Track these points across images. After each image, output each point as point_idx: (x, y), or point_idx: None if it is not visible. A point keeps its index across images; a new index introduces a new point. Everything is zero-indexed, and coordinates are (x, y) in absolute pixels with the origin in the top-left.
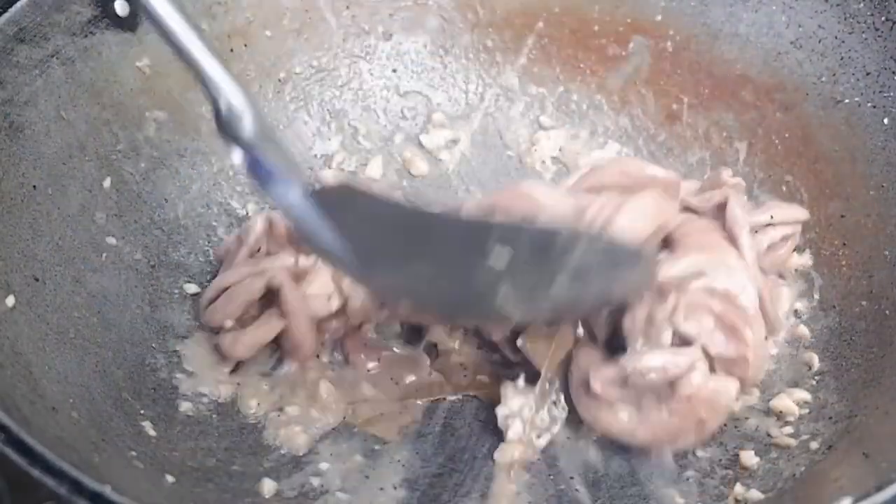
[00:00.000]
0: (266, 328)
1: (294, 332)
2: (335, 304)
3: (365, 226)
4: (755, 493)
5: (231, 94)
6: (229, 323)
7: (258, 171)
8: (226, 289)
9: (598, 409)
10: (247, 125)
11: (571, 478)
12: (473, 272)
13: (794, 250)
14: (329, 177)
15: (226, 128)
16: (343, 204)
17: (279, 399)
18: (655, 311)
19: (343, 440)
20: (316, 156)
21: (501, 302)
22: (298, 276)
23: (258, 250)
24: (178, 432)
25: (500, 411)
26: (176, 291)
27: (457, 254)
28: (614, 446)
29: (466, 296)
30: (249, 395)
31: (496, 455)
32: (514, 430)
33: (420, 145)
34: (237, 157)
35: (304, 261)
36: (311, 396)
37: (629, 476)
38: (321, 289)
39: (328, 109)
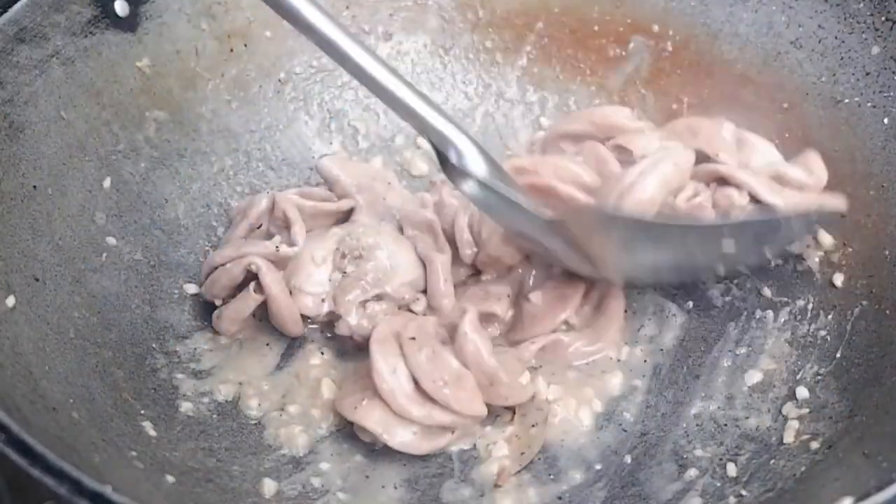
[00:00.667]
0: (242, 303)
1: (275, 313)
2: (326, 308)
3: (606, 245)
4: (755, 493)
5: (460, 142)
6: (218, 301)
7: (492, 202)
8: (215, 268)
9: None
10: (481, 166)
11: (571, 476)
12: (703, 260)
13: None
14: (327, 162)
15: (458, 170)
16: (582, 227)
17: (281, 398)
18: None
19: (344, 440)
20: (315, 156)
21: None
22: (280, 263)
23: (259, 227)
24: (179, 432)
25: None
26: (176, 291)
27: (693, 251)
28: (614, 446)
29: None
30: (250, 395)
31: (474, 475)
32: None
33: (419, 146)
34: (469, 188)
35: (286, 249)
36: (313, 395)
37: (629, 476)
38: (312, 287)
39: (328, 109)
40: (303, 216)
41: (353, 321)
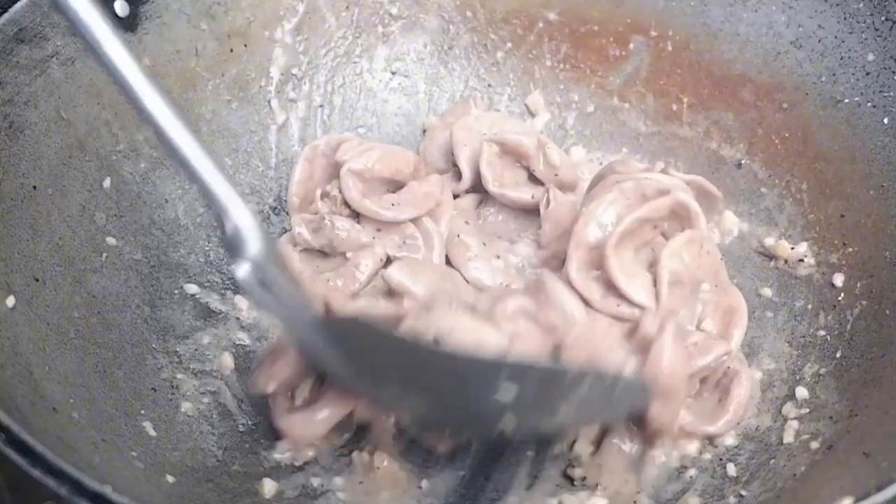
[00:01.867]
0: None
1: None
2: None
3: (371, 355)
4: (755, 493)
5: (238, 216)
6: (271, 388)
7: (261, 290)
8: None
9: None
10: (254, 246)
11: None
12: (479, 402)
13: (792, 248)
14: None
15: (231, 246)
16: (349, 334)
17: None
18: None
19: (343, 440)
20: None
21: (503, 426)
22: None
23: None
24: (179, 432)
25: None
26: (176, 292)
27: (463, 386)
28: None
29: (469, 419)
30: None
31: None
32: None
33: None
34: (242, 271)
35: None
36: None
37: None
38: None
39: (329, 109)
40: None
41: None
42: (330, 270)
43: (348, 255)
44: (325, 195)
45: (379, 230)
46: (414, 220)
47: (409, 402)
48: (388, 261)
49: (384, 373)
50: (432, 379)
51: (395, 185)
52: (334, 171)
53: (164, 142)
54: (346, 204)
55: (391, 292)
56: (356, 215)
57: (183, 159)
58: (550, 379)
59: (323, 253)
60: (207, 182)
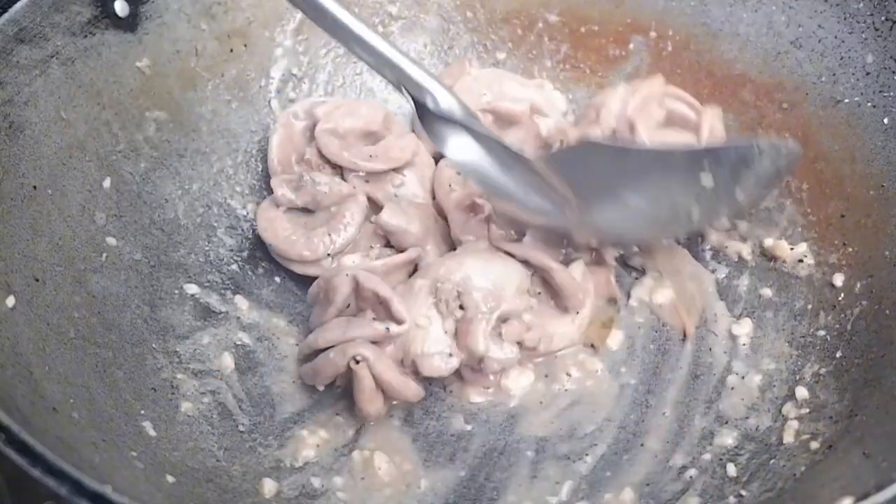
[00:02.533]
0: (358, 392)
1: (391, 394)
2: (456, 361)
3: (586, 176)
4: (755, 493)
5: (435, 88)
6: (321, 387)
7: (470, 148)
8: (316, 351)
9: None
10: (457, 109)
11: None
12: (681, 196)
13: (792, 249)
14: (387, 217)
15: (435, 116)
16: (562, 164)
17: None
18: None
19: (343, 440)
20: None
21: (701, 215)
22: (385, 340)
23: (347, 307)
24: (179, 432)
25: None
26: (176, 292)
27: (668, 182)
28: (615, 448)
29: (673, 218)
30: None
31: None
32: None
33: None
34: (447, 133)
35: (396, 328)
36: None
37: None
38: (435, 347)
39: None
40: None
41: (500, 354)
42: (319, 226)
43: (332, 208)
44: (300, 159)
45: (367, 182)
46: (396, 171)
47: (619, 213)
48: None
49: (606, 191)
50: (645, 184)
51: (372, 139)
52: (311, 134)
53: (353, 40)
54: (328, 162)
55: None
56: (339, 174)
57: (376, 52)
58: (742, 157)
59: (307, 210)
60: (403, 68)
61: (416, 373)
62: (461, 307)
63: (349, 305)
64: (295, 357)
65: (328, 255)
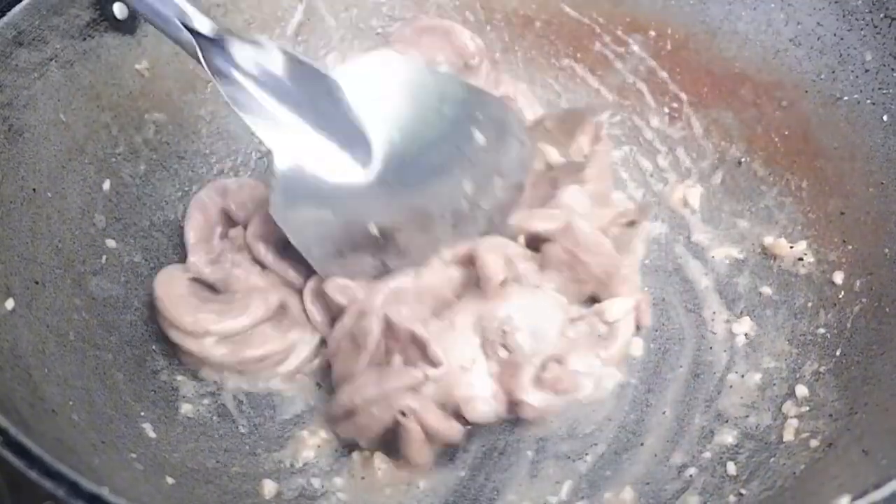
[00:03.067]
0: (408, 447)
1: (437, 440)
2: (500, 409)
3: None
4: (755, 491)
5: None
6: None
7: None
8: (353, 411)
9: None
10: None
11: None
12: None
13: (791, 247)
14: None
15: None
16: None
17: None
18: None
19: (343, 441)
20: None
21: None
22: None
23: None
24: (179, 434)
25: None
26: None
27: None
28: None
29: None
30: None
31: None
32: None
33: None
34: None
35: (435, 372)
36: None
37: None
38: (480, 391)
39: None
40: None
41: (540, 402)
42: (216, 303)
43: (238, 295)
44: (224, 236)
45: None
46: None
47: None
48: (281, 308)
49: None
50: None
51: None
52: (226, 215)
53: None
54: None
55: None
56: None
57: None
58: (502, 116)
59: (212, 288)
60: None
61: (457, 415)
62: (505, 347)
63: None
64: (323, 411)
65: (209, 333)
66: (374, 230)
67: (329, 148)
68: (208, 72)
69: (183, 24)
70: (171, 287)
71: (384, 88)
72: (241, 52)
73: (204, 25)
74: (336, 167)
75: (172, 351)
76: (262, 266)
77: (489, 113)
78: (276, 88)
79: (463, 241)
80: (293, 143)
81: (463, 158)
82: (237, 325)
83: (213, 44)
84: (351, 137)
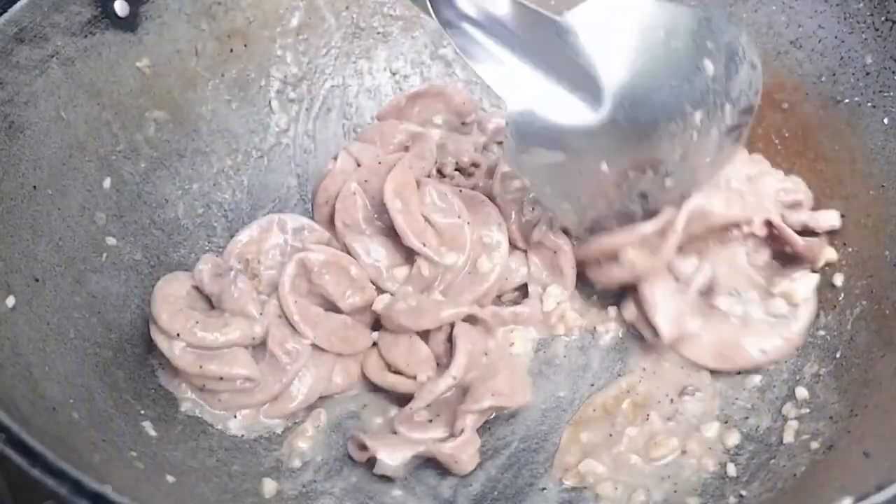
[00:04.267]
0: None
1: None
2: None
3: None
4: (755, 493)
5: None
6: None
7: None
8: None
9: None
10: None
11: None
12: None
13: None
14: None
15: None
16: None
17: None
18: None
19: (343, 441)
20: None
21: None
22: None
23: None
24: (179, 432)
25: None
26: None
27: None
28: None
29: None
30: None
31: None
32: None
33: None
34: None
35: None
36: None
37: None
38: None
39: (328, 109)
40: None
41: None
42: (199, 314)
43: (227, 314)
44: (243, 259)
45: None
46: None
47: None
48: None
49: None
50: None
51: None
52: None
53: None
54: (255, 277)
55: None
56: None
57: None
58: (732, 45)
59: (207, 300)
60: None
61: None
62: None
63: None
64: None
65: (180, 339)
66: (605, 168)
67: (559, 91)
68: (438, 22)
69: None
70: (169, 286)
71: (612, 28)
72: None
73: None
74: (566, 110)
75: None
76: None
77: (720, 40)
78: (503, 35)
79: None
80: (523, 89)
81: (694, 90)
82: (208, 339)
83: None
84: (580, 80)
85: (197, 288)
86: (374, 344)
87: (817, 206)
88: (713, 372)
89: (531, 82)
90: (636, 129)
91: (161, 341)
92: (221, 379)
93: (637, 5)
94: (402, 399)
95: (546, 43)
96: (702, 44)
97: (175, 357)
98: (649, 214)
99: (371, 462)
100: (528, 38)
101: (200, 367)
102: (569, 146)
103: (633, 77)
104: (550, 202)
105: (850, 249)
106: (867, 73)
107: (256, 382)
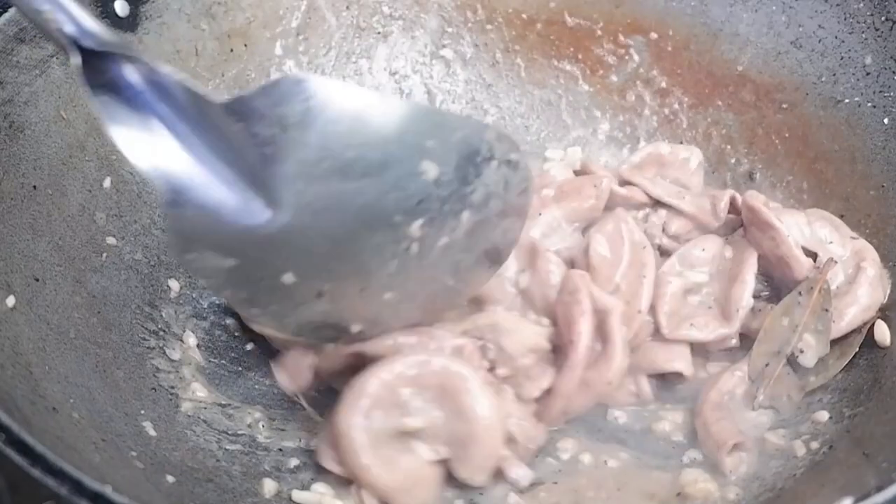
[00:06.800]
0: None
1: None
2: None
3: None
4: (755, 493)
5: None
6: None
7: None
8: None
9: None
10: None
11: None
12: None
13: None
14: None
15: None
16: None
17: None
18: None
19: None
20: None
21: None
22: None
23: None
24: (179, 432)
25: None
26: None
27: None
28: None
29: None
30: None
31: None
32: None
33: None
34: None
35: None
36: None
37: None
38: None
39: None
40: None
41: None
42: None
43: None
44: None
45: None
46: None
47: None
48: None
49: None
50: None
51: None
52: None
53: None
54: None
55: None
56: None
57: None
58: (469, 145)
59: None
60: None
61: None
62: None
63: None
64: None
65: None
66: (290, 279)
67: (230, 185)
68: (83, 85)
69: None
70: None
71: (302, 116)
72: (131, 71)
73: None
74: (237, 207)
75: (174, 349)
76: None
77: (448, 138)
78: (160, 105)
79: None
80: (179, 173)
81: (408, 197)
82: None
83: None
84: (254, 174)
85: None
86: None
87: (817, 207)
88: None
89: (189, 167)
90: (326, 238)
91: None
92: None
93: (335, 93)
94: None
95: (213, 127)
96: (420, 143)
97: None
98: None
99: None
100: (193, 115)
101: None
102: (242, 251)
103: (322, 177)
104: (237, 305)
105: None
106: (867, 73)
107: None
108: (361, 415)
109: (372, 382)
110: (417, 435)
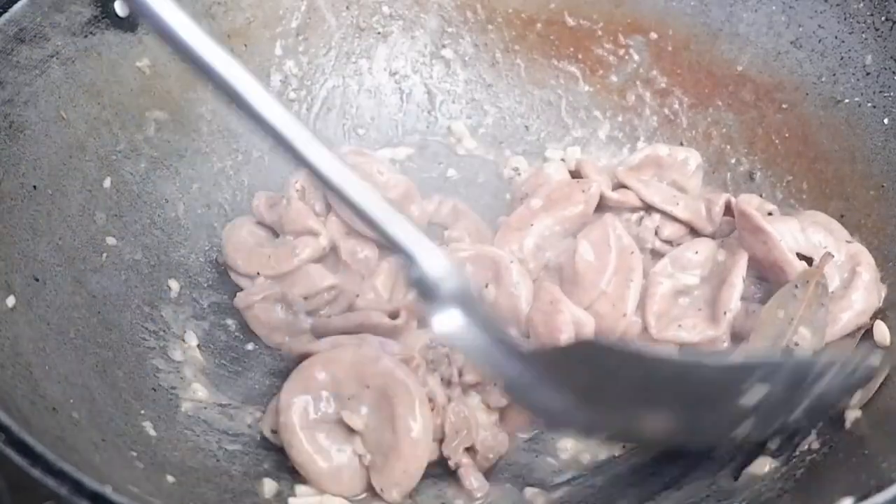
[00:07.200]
0: None
1: None
2: None
3: (599, 379)
4: (756, 492)
5: (428, 258)
6: None
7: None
8: None
9: None
10: (449, 287)
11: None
12: (719, 412)
13: None
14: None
15: (430, 285)
16: (569, 361)
17: None
18: None
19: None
20: None
21: (743, 431)
22: None
23: None
24: (179, 432)
25: None
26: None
27: (706, 394)
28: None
29: (707, 428)
30: None
31: None
32: None
33: (424, 146)
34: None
35: None
36: None
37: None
38: None
39: (328, 109)
40: None
41: None
42: (269, 247)
43: (290, 237)
44: (300, 189)
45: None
46: None
47: (643, 421)
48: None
49: (616, 396)
50: (671, 391)
51: None
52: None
53: (332, 188)
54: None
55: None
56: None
57: (361, 210)
58: (798, 374)
59: (273, 231)
60: (392, 231)
61: None
62: None
63: None
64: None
65: (260, 276)
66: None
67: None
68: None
69: None
70: (234, 233)
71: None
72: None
73: None
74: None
75: (174, 349)
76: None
77: (763, 376)
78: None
79: None
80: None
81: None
82: (283, 266)
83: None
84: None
85: (258, 225)
86: None
87: (817, 207)
88: None
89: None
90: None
91: (244, 283)
92: (306, 299)
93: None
94: None
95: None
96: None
97: (264, 290)
98: None
99: None
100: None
101: (286, 292)
102: None
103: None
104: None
105: None
106: (867, 73)
107: (339, 289)
108: (304, 393)
109: (318, 366)
110: (354, 432)
